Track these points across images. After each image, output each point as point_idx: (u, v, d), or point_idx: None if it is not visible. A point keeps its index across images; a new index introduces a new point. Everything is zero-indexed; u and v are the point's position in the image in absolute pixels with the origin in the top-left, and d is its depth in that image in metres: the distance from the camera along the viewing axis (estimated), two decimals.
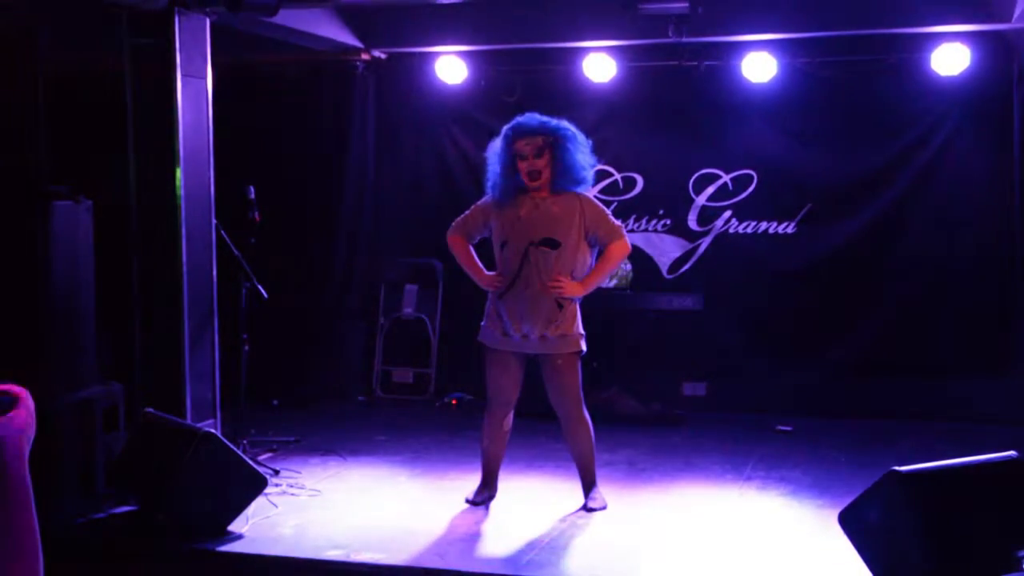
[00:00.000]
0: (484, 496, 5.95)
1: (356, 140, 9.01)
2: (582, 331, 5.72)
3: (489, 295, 5.77)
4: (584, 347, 5.75)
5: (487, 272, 5.78)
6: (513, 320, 5.63)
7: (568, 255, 5.58)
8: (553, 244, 5.57)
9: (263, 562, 5.18)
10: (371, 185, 9.15)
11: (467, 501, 5.95)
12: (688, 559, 5.18)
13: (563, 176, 5.60)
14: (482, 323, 5.80)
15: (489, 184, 5.76)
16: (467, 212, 5.89)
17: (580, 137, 5.70)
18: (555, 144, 5.58)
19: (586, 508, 5.85)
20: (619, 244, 5.65)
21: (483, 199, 5.85)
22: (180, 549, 5.27)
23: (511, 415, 5.85)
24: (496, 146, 5.74)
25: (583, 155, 5.66)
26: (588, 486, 5.92)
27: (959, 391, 7.99)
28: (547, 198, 5.63)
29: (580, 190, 5.69)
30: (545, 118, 5.67)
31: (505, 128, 5.72)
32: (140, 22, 6.22)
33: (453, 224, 5.90)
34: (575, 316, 5.68)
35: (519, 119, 5.70)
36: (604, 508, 5.86)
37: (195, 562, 5.23)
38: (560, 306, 5.60)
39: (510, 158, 5.62)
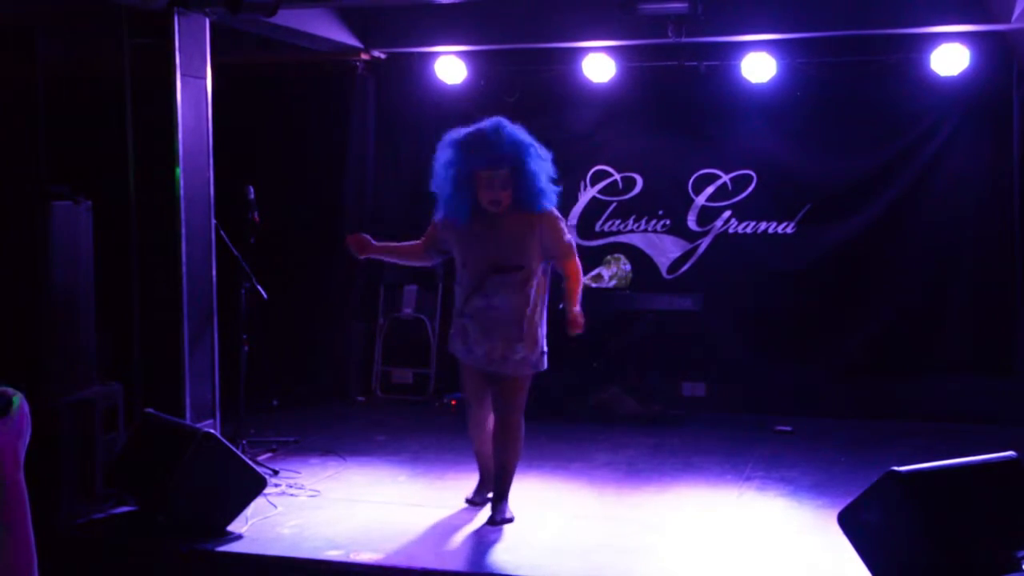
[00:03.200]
0: (483, 496, 5.94)
1: (356, 140, 9.01)
2: (544, 348, 5.60)
3: (454, 309, 5.67)
4: (545, 364, 5.63)
5: (371, 241, 5.79)
6: (475, 337, 5.54)
7: (528, 276, 5.46)
8: (513, 267, 5.44)
9: (262, 562, 5.18)
10: (371, 185, 9.14)
11: (467, 501, 5.95)
12: (687, 559, 5.18)
13: (525, 199, 5.40)
14: (451, 331, 5.73)
15: (440, 200, 5.54)
16: (427, 232, 5.75)
17: (541, 152, 5.46)
18: (518, 170, 5.36)
19: (492, 521, 5.64)
20: (573, 264, 5.54)
21: (434, 220, 5.67)
22: (180, 549, 5.27)
23: (492, 415, 5.79)
24: (446, 157, 5.47)
25: (545, 171, 5.44)
26: (500, 497, 5.71)
27: (959, 391, 7.99)
28: (504, 215, 5.44)
29: (542, 207, 5.47)
30: (506, 137, 5.35)
31: (460, 142, 5.44)
32: (140, 22, 6.22)
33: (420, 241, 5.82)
34: (536, 339, 5.54)
35: (477, 139, 5.39)
36: (512, 520, 5.67)
37: (194, 562, 5.22)
38: (522, 331, 5.47)
39: (466, 179, 5.39)
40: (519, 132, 5.45)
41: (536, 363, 5.58)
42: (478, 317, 5.51)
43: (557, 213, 5.56)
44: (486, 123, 5.48)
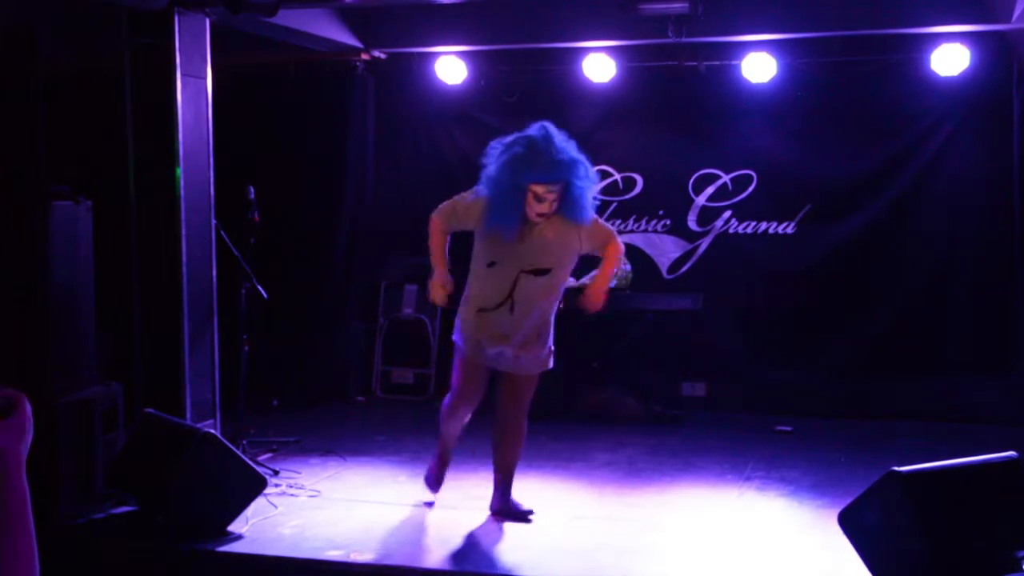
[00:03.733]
0: (441, 482, 5.98)
1: (356, 140, 9.01)
2: (552, 347, 5.60)
3: (468, 302, 5.52)
4: (552, 363, 5.63)
5: (446, 275, 5.48)
6: (491, 338, 5.45)
7: (556, 280, 5.45)
8: (543, 272, 5.39)
9: (263, 562, 5.18)
10: (371, 185, 9.14)
11: (428, 488, 5.97)
12: (687, 559, 5.18)
13: (568, 211, 5.33)
14: (457, 321, 5.58)
15: (490, 205, 5.33)
16: (457, 202, 5.48)
17: (591, 171, 5.38)
18: (568, 186, 5.28)
19: (519, 511, 5.73)
20: (615, 247, 5.52)
21: (475, 197, 5.42)
22: (180, 549, 5.27)
23: (471, 413, 5.77)
24: (503, 160, 5.28)
25: (591, 189, 5.38)
26: (508, 490, 5.78)
27: (959, 391, 7.99)
28: (543, 222, 5.38)
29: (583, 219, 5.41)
30: (559, 151, 5.24)
31: (521, 148, 5.25)
32: (140, 22, 6.23)
33: (440, 208, 5.53)
34: (549, 335, 5.56)
35: (532, 152, 5.21)
36: (530, 513, 5.76)
37: (195, 562, 5.23)
38: (539, 331, 5.47)
39: (521, 191, 5.25)
40: (568, 144, 5.32)
41: (545, 361, 5.59)
42: (501, 318, 5.41)
43: (595, 215, 5.49)
44: (535, 132, 5.31)
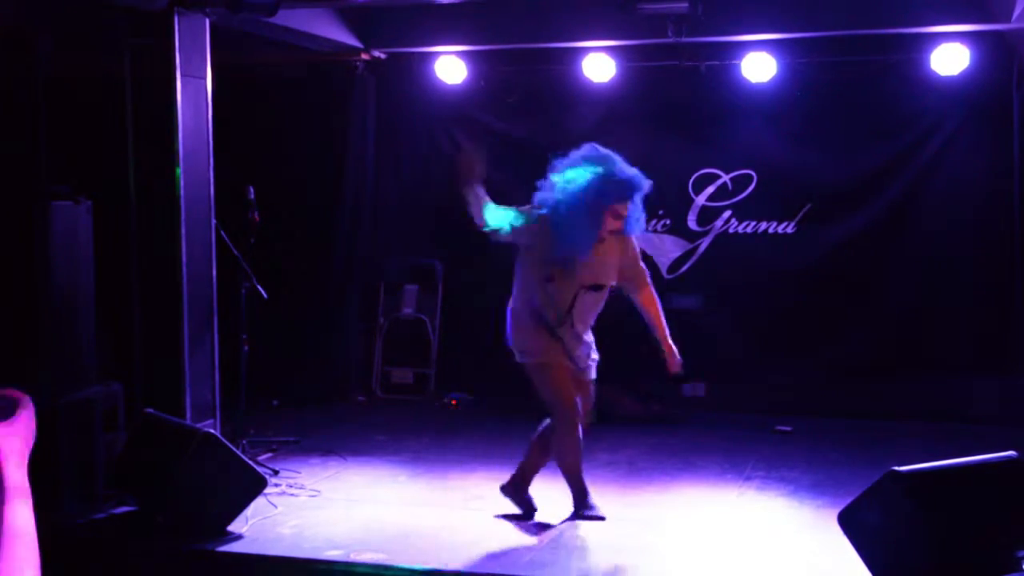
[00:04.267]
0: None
1: (356, 140, 9.01)
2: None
3: (528, 318, 5.51)
4: None
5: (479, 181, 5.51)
6: (571, 345, 5.55)
7: (606, 292, 5.62)
8: (600, 288, 5.57)
9: (263, 562, 5.18)
10: (371, 185, 9.14)
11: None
12: (688, 559, 5.18)
13: (628, 225, 5.54)
14: (520, 340, 5.56)
15: (566, 230, 5.37)
16: (521, 212, 5.49)
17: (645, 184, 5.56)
18: (634, 201, 5.53)
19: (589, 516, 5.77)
20: (652, 292, 5.69)
21: (540, 222, 5.42)
22: (180, 549, 5.27)
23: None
24: (583, 187, 5.36)
25: (640, 202, 5.57)
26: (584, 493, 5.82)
27: (959, 391, 7.99)
28: (608, 239, 5.54)
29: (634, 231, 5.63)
30: (626, 167, 5.47)
31: (599, 174, 5.38)
32: (140, 22, 6.23)
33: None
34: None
35: (617, 169, 5.42)
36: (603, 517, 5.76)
37: (195, 562, 5.23)
38: (589, 338, 5.66)
39: (602, 213, 5.41)
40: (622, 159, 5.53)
41: None
42: (564, 333, 5.51)
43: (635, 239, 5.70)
44: (597, 154, 5.47)
